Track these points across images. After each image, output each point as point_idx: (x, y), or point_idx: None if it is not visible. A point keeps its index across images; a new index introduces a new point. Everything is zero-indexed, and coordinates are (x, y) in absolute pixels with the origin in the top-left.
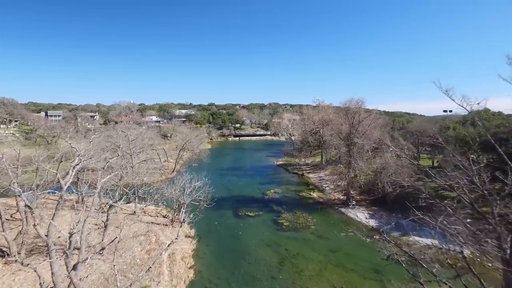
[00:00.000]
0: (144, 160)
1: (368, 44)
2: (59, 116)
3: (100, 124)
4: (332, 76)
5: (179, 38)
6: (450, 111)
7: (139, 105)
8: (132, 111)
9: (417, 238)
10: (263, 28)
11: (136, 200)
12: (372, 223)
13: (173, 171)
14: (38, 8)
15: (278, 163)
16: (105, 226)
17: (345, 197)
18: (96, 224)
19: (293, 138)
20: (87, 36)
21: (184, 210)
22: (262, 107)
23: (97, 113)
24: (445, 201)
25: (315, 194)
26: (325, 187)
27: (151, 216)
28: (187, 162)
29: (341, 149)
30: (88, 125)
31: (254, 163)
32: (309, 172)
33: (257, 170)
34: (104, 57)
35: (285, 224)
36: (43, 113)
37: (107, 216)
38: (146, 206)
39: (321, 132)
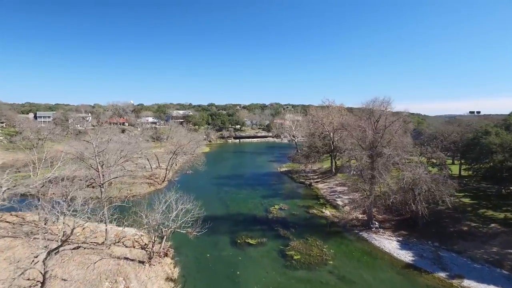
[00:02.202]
0: (116, 177)
1: (369, 45)
2: (49, 117)
3: (93, 126)
4: (333, 76)
5: (179, 38)
6: (478, 112)
7: (138, 105)
8: (126, 112)
9: (473, 283)
10: (264, 28)
11: (107, 224)
12: (406, 256)
13: (163, 181)
14: (39, 8)
15: (281, 170)
16: (43, 282)
17: (366, 216)
18: (29, 280)
19: (296, 140)
20: (86, 37)
21: (166, 240)
22: (263, 107)
23: (89, 114)
24: (492, 225)
25: (327, 212)
26: (339, 202)
27: (126, 246)
28: (181, 169)
29: (363, 160)
30: (79, 126)
31: (255, 170)
32: (317, 182)
33: (259, 179)
34: (104, 58)
35: (295, 257)
36: (31, 114)
37: (44, 268)
38: (123, 237)
39: (331, 136)
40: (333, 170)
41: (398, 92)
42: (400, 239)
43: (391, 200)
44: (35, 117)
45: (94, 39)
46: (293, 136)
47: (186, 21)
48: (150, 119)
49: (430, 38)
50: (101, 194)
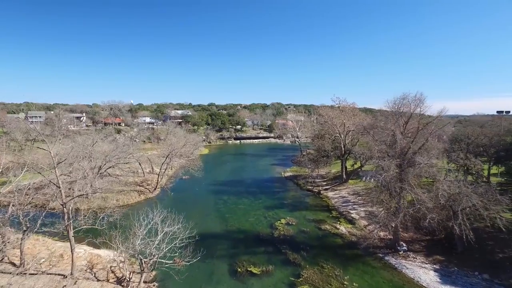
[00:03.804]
0: (83, 194)
1: (369, 45)
2: (40, 117)
3: (87, 126)
4: (334, 76)
5: (180, 38)
6: (508, 112)
7: (136, 105)
8: (122, 112)
9: None
10: (264, 28)
11: (73, 252)
12: None
13: (155, 188)
14: (39, 8)
15: (286, 175)
16: None
17: (389, 234)
18: None
19: (300, 141)
20: (86, 37)
21: (148, 271)
22: (264, 107)
23: (83, 114)
24: None
25: (342, 228)
26: (354, 215)
27: (97, 279)
28: (176, 174)
29: (390, 170)
30: (72, 127)
31: (257, 175)
32: (326, 189)
33: (261, 185)
34: (104, 58)
35: None
36: (22, 114)
37: None
38: (96, 264)
39: (342, 139)
40: (344, 176)
41: (399, 92)
42: (437, 267)
43: (427, 220)
44: (26, 117)
45: (94, 38)
46: (297, 137)
47: (186, 20)
48: (147, 119)
49: (429, 38)
50: (64, 215)
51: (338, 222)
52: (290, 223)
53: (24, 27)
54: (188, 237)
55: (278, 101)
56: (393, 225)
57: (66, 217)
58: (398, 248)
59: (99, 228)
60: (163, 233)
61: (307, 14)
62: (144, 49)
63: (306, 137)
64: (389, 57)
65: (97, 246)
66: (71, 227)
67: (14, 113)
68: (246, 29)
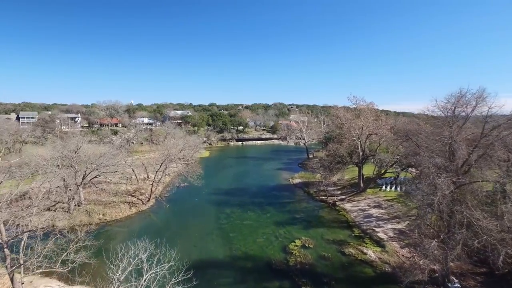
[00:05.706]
0: (28, 231)
1: (373, 44)
2: (33, 118)
3: (82, 127)
4: (334, 76)
5: (180, 38)
6: None
7: (137, 105)
8: (118, 112)
9: None
10: (265, 28)
11: None
12: None
13: (149, 199)
14: (39, 8)
15: (294, 182)
16: None
17: (433, 265)
18: None
19: (305, 143)
20: (86, 37)
21: None
22: (266, 107)
23: (79, 114)
24: None
25: (371, 252)
26: (380, 234)
27: None
28: (173, 182)
29: (443, 188)
30: (67, 128)
31: (262, 181)
32: (342, 200)
33: (268, 195)
34: (105, 57)
35: None
36: (13, 115)
37: None
38: None
39: (361, 144)
40: (361, 184)
41: (400, 93)
42: None
43: (501, 258)
44: (18, 118)
45: (94, 39)
46: (304, 139)
47: (187, 20)
48: (146, 120)
49: (430, 38)
50: (6, 259)
51: (364, 244)
52: (307, 245)
53: (24, 27)
54: (183, 279)
55: (280, 101)
56: (448, 258)
57: (8, 261)
58: (449, 285)
59: (60, 271)
60: (149, 274)
61: (307, 14)
62: (144, 49)
63: (313, 139)
64: (389, 58)
65: (71, 280)
66: (21, 272)
67: (7, 113)
68: (246, 29)
